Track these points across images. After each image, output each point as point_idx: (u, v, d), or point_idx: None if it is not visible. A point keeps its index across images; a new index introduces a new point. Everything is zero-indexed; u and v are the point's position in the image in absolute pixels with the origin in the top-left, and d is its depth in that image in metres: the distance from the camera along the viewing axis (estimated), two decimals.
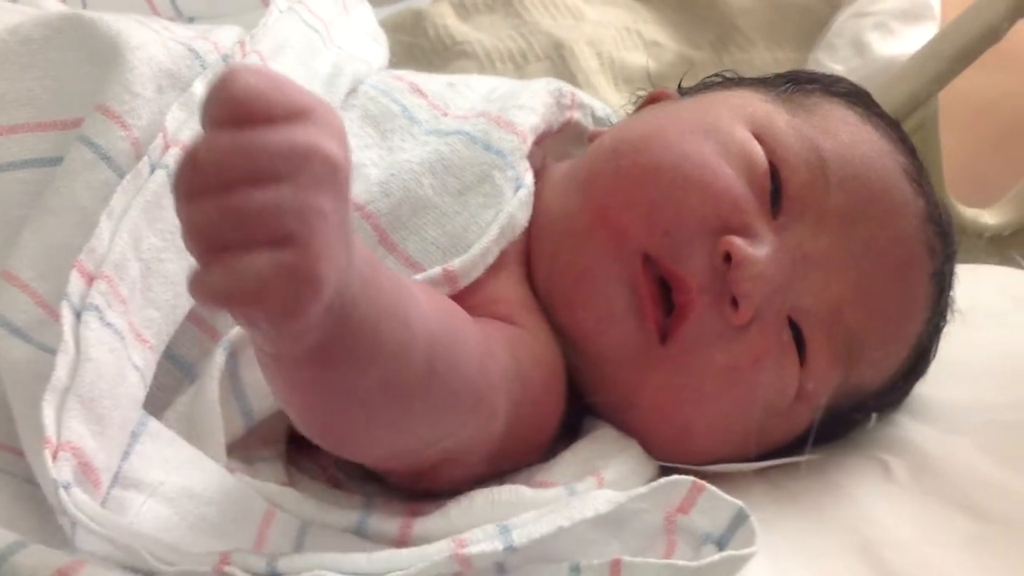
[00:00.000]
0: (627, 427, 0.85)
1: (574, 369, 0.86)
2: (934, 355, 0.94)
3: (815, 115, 0.89)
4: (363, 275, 0.59)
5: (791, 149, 0.86)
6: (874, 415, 0.93)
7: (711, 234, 0.82)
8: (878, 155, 0.87)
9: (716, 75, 1.02)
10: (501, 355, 0.76)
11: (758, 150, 0.85)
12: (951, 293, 0.93)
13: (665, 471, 0.85)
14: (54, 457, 0.64)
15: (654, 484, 0.69)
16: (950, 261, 0.91)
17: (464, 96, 0.94)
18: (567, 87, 0.98)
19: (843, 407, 0.89)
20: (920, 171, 0.90)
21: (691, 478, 0.69)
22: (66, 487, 0.63)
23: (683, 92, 1.01)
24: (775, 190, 0.84)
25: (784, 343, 0.83)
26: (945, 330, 0.94)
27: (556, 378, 0.84)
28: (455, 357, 0.68)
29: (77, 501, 0.62)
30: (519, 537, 0.67)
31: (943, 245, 0.90)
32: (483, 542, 0.67)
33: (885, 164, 0.87)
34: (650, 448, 0.85)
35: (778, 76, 0.97)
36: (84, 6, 1.13)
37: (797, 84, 0.93)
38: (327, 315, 0.55)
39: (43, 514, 0.69)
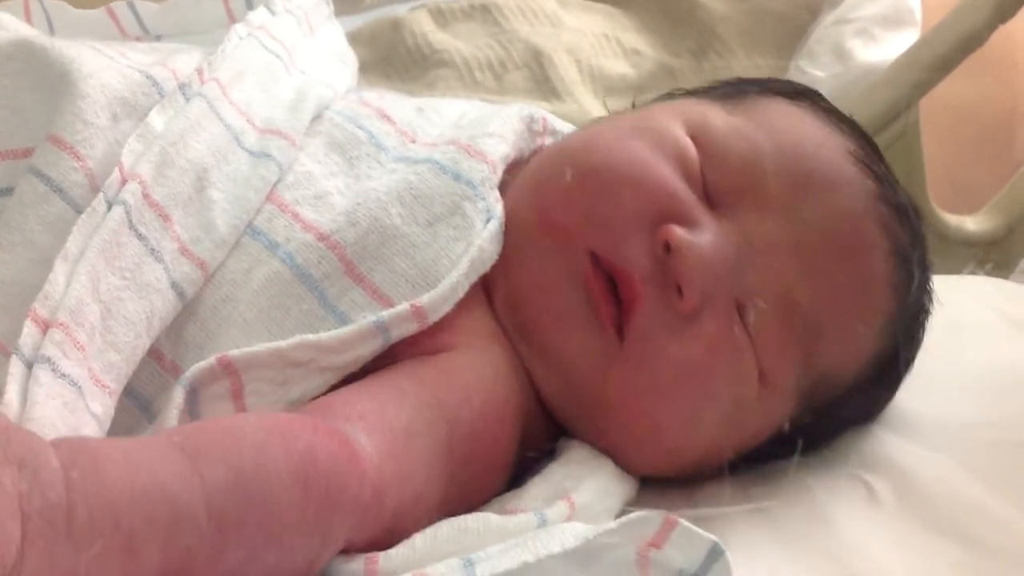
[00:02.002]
0: (601, 438, 0.84)
1: (550, 393, 0.86)
2: (916, 349, 0.93)
3: (753, 111, 0.90)
4: (72, 480, 0.57)
5: (724, 143, 0.87)
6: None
7: (650, 225, 0.83)
8: (816, 138, 0.88)
9: (666, 94, 1.03)
10: (392, 416, 0.74)
11: (691, 145, 0.87)
12: (929, 282, 0.92)
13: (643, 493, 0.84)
14: None
15: (624, 519, 0.67)
16: (919, 244, 0.90)
17: (433, 122, 0.93)
18: (539, 112, 0.97)
19: (821, 399, 0.87)
20: (871, 156, 0.90)
21: (663, 512, 0.67)
22: None
23: None
24: (710, 184, 0.85)
25: (736, 329, 0.83)
26: (928, 342, 0.93)
27: (499, 401, 0.82)
28: (252, 492, 0.63)
29: None
30: (482, 571, 0.65)
31: (903, 226, 0.89)
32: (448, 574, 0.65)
33: (824, 145, 0.88)
34: (626, 456, 0.84)
35: (725, 82, 0.98)
36: (50, 25, 1.11)
37: (740, 87, 0.95)
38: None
39: None
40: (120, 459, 0.60)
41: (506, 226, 0.86)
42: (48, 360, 0.68)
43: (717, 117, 0.89)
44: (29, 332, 0.69)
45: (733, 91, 0.94)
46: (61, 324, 0.69)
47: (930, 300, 0.93)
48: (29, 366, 0.67)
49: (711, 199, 0.85)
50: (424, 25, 1.73)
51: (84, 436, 0.67)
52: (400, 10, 1.79)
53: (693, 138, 0.87)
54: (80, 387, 0.69)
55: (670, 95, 1.00)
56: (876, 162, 0.90)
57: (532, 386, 0.86)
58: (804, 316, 0.84)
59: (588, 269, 0.83)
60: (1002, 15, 1.30)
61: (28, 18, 1.11)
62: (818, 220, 0.85)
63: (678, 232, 0.81)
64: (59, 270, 0.71)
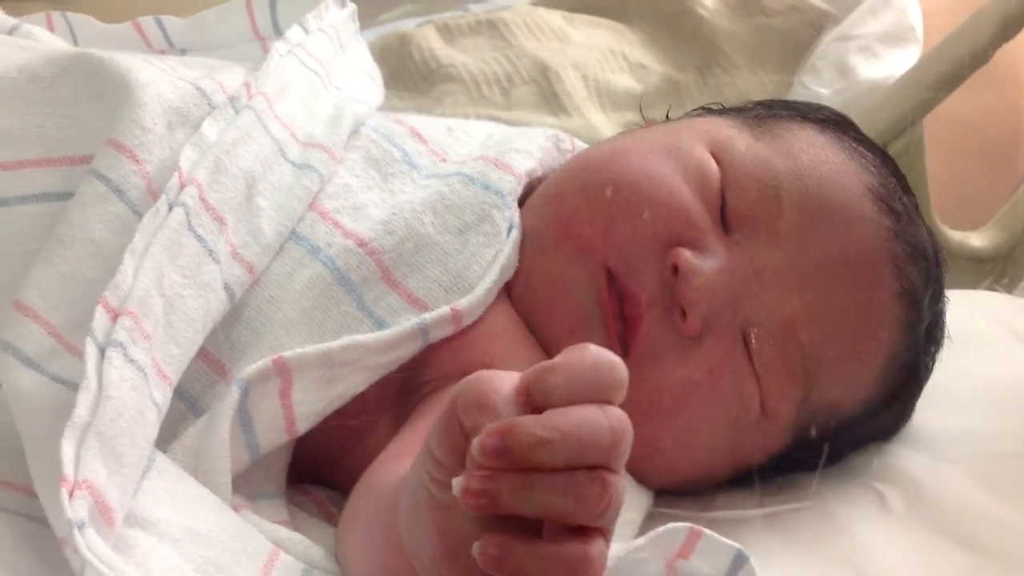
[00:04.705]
0: None
1: None
2: (925, 379, 0.94)
3: (780, 139, 0.90)
4: None
5: (745, 169, 0.87)
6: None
7: (662, 248, 0.84)
8: (837, 175, 0.88)
9: (701, 108, 1.03)
10: None
11: (714, 168, 0.87)
12: (942, 317, 0.93)
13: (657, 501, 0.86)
14: (70, 496, 0.63)
15: (652, 534, 0.68)
16: (933, 283, 0.91)
17: (462, 142, 0.96)
18: (564, 135, 1.00)
19: (824, 429, 0.88)
20: (891, 191, 0.90)
21: (688, 524, 0.68)
22: (80, 527, 0.62)
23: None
24: (727, 207, 0.86)
25: (739, 357, 0.84)
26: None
27: None
28: None
29: (90, 543, 0.62)
30: None
31: (917, 265, 0.89)
32: None
33: (844, 183, 0.88)
34: None
35: (757, 104, 0.98)
36: (74, 38, 1.13)
37: (771, 110, 0.95)
38: None
39: (43, 552, 0.69)
40: None
41: (528, 230, 0.88)
42: (120, 344, 0.70)
43: (742, 140, 0.90)
44: (100, 318, 0.70)
45: (764, 113, 0.94)
46: (130, 313, 0.71)
47: (942, 334, 0.93)
48: (102, 350, 0.69)
49: (727, 222, 0.86)
50: (431, 40, 1.74)
51: None
52: (408, 25, 1.80)
53: (715, 157, 0.88)
54: (146, 374, 0.71)
55: (707, 110, 1.01)
56: (897, 198, 0.90)
57: None
58: (804, 353, 0.85)
59: (603, 285, 0.85)
60: (1006, 33, 1.32)
61: (51, 30, 1.13)
62: (828, 258, 0.85)
63: (687, 256, 0.83)
64: (128, 263, 0.73)
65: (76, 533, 0.61)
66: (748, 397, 0.85)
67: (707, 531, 0.68)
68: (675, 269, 0.83)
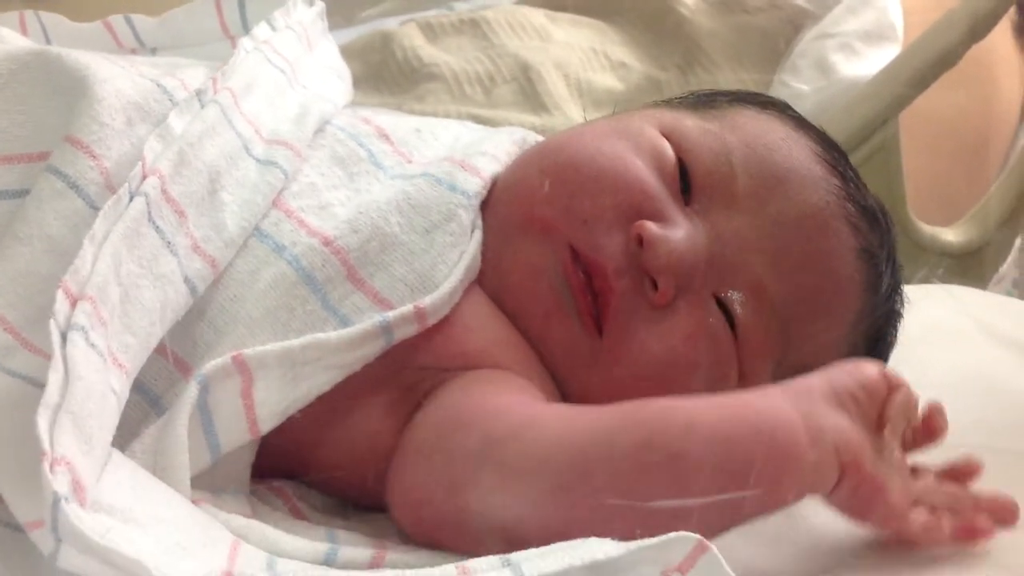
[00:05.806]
0: None
1: None
2: (889, 352, 0.95)
3: (725, 116, 0.93)
4: None
5: (696, 141, 0.90)
6: None
7: (625, 221, 0.86)
8: (783, 140, 0.92)
9: (648, 104, 1.05)
10: None
11: (666, 145, 0.90)
12: (899, 285, 0.95)
13: None
14: (51, 471, 0.62)
15: (663, 537, 0.66)
16: (888, 248, 0.93)
17: (429, 144, 0.96)
18: (532, 136, 1.01)
19: None
20: (837, 158, 0.93)
21: (697, 536, 0.66)
22: (66, 500, 0.61)
23: None
24: (684, 181, 0.89)
25: (714, 322, 0.86)
26: (904, 349, 0.95)
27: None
28: None
29: (75, 514, 0.60)
30: (529, 570, 0.65)
31: (871, 226, 0.91)
32: (489, 571, 0.66)
33: (791, 147, 0.91)
34: None
35: (698, 94, 1.01)
36: (46, 37, 1.14)
37: (712, 97, 0.98)
38: None
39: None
40: None
41: (492, 222, 0.89)
42: (82, 328, 0.69)
43: (688, 120, 0.92)
44: (61, 302, 0.70)
45: (706, 100, 0.97)
46: (89, 298, 0.71)
47: (901, 303, 0.95)
48: (63, 334, 0.69)
49: (685, 196, 0.88)
50: (414, 39, 1.74)
51: None
52: (391, 24, 1.81)
53: (666, 136, 0.90)
54: (104, 360, 0.71)
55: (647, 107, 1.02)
56: (842, 164, 0.93)
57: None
58: (775, 310, 0.87)
59: (568, 262, 0.86)
60: (975, 34, 1.33)
61: (24, 30, 1.13)
62: (785, 216, 0.88)
63: (650, 226, 0.85)
64: (87, 249, 0.73)
65: (63, 505, 0.60)
66: (726, 362, 0.86)
67: (713, 548, 0.66)
68: (640, 241, 0.84)
